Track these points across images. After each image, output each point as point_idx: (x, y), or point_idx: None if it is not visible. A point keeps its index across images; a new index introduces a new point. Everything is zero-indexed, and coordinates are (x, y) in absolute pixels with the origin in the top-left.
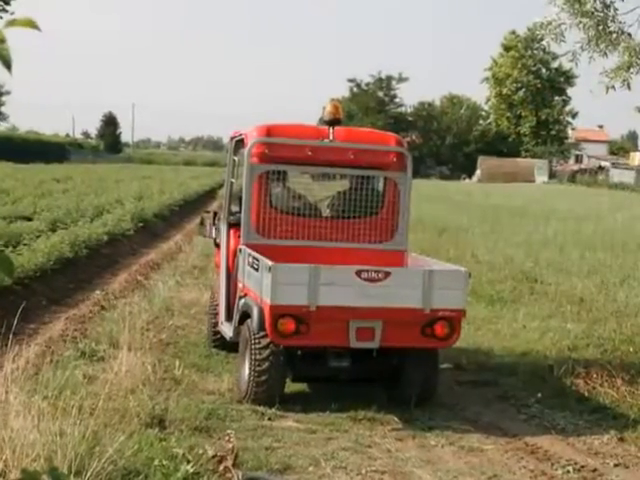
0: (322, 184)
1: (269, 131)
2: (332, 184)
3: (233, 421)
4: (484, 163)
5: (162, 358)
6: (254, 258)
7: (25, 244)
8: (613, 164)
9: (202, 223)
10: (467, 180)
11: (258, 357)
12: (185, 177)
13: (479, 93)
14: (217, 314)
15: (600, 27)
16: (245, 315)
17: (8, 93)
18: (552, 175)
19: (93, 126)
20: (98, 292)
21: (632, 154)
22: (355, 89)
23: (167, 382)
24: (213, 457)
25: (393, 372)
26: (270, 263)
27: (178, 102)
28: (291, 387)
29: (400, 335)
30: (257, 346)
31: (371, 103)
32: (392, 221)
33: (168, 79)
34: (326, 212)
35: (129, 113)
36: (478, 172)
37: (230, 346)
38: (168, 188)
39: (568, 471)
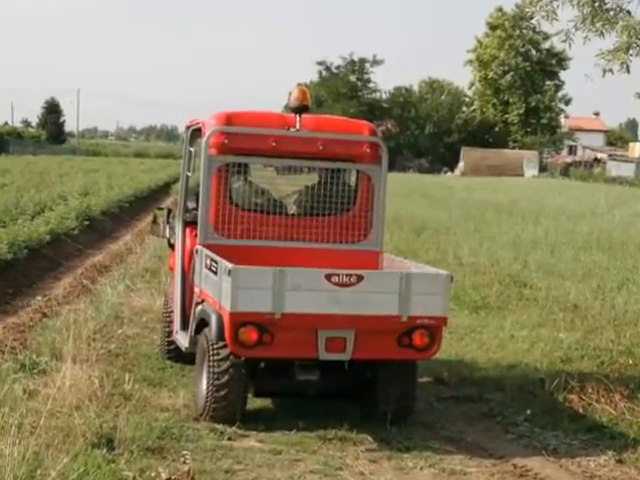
0: (288, 178)
1: (229, 119)
2: (299, 178)
3: (189, 441)
4: (467, 155)
5: (110, 371)
6: (212, 260)
7: None
8: (610, 156)
9: (155, 221)
10: (449, 174)
11: (217, 370)
12: (136, 170)
13: (462, 77)
14: (171, 322)
15: (596, 4)
16: (202, 323)
17: None
18: (543, 168)
19: (34, 114)
20: (39, 298)
21: (631, 145)
22: (324, 73)
23: (116, 398)
24: None
25: (367, 386)
26: (230, 265)
27: (128, 88)
28: (254, 403)
29: (374, 346)
30: (216, 357)
31: (342, 88)
32: (365, 219)
33: (117, 63)
34: (292, 209)
35: (74, 100)
36: (461, 165)
37: (186, 357)
38: (117, 183)
39: None
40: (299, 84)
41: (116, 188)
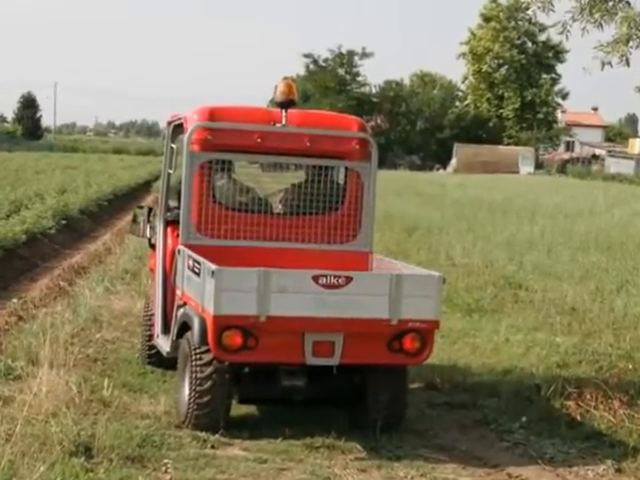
0: (273, 176)
1: (212, 114)
2: (285, 176)
3: (171, 449)
4: (460, 151)
5: (89, 376)
6: (195, 261)
7: None
8: (609, 152)
9: (135, 220)
10: (441, 171)
11: (199, 375)
12: (115, 167)
13: (455, 71)
14: (152, 325)
15: None
16: (184, 327)
17: None
18: (539, 165)
19: (9, 109)
20: (15, 300)
21: (631, 141)
22: (312, 66)
23: (94, 404)
24: None
25: (356, 392)
26: (213, 267)
27: (108, 82)
28: (238, 410)
29: (363, 350)
30: (198, 362)
31: (330, 82)
32: (354, 218)
33: (96, 56)
34: (278, 208)
35: (51, 94)
36: (454, 162)
37: (167, 362)
38: (96, 180)
39: None
40: (285, 78)
41: (95, 186)
